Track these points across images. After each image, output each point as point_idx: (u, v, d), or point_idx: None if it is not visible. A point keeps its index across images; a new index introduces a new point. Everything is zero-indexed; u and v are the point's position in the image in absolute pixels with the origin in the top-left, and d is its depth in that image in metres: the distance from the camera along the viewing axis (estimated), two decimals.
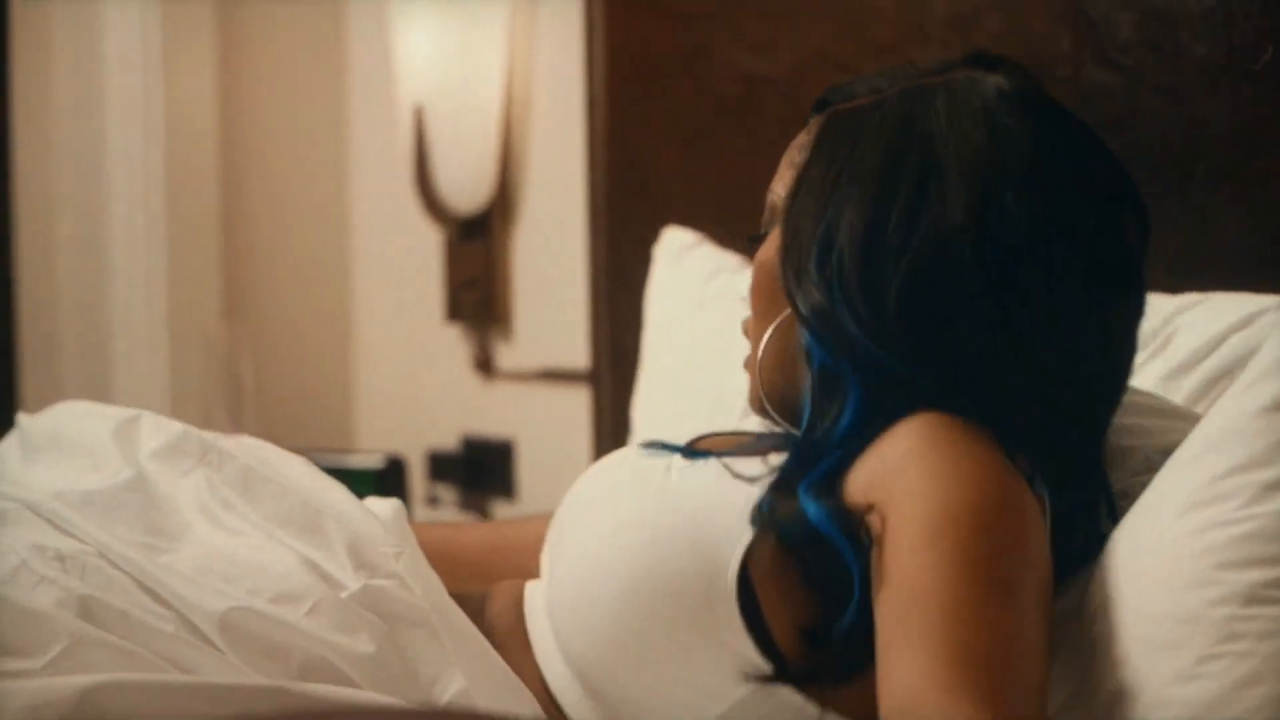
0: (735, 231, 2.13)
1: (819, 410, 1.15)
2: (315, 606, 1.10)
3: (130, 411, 1.35)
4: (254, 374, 3.15)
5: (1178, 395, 1.38)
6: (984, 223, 1.11)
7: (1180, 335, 1.44)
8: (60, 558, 1.11)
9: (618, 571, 1.12)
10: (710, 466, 1.18)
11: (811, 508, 1.06)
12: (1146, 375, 1.42)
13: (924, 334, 1.12)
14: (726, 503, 1.13)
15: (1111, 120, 1.67)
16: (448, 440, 3.25)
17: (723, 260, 2.11)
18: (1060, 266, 1.12)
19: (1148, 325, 1.47)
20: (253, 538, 1.19)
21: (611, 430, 2.42)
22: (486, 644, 1.17)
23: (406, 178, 3.14)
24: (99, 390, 3.29)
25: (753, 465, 1.16)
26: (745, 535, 1.10)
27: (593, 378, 2.59)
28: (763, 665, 1.10)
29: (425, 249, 3.28)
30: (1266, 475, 0.98)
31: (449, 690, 1.09)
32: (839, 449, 1.11)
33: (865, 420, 1.12)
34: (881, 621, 1.02)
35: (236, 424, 3.09)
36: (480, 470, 3.18)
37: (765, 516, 1.10)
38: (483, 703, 1.09)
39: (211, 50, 3.30)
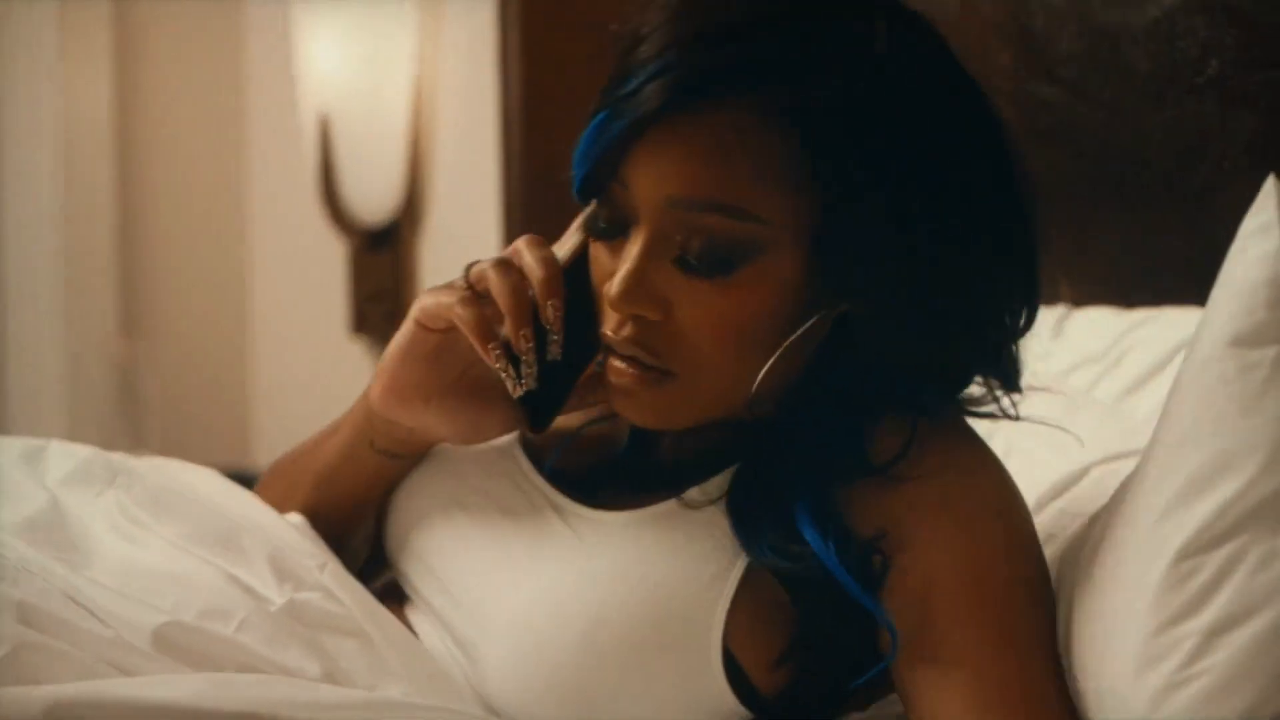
0: None
1: (813, 410, 1.07)
2: (244, 622, 1.07)
3: (37, 441, 1.32)
4: (153, 390, 3.08)
5: (1136, 412, 1.38)
6: None
7: (1133, 353, 1.44)
8: None
9: (574, 661, 1.04)
10: (618, 520, 1.09)
11: (817, 543, 1.00)
12: (1102, 392, 1.42)
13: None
14: (684, 556, 1.05)
15: (1053, 134, 1.67)
16: None
17: None
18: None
19: (1099, 344, 1.48)
20: (169, 554, 1.15)
21: None
22: (423, 648, 1.13)
23: (309, 188, 3.08)
24: None
25: (706, 488, 1.07)
26: (724, 593, 1.03)
27: None
28: (737, 709, 1.04)
29: (329, 260, 3.22)
30: None
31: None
32: (831, 458, 1.05)
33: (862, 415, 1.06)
34: (932, 694, 1.01)
35: (136, 441, 3.02)
36: None
37: (765, 559, 1.03)
38: (424, 708, 1.05)
39: (108, 61, 3.22)
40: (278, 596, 1.10)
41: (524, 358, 1.05)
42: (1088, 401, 1.39)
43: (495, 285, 1.06)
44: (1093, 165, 1.62)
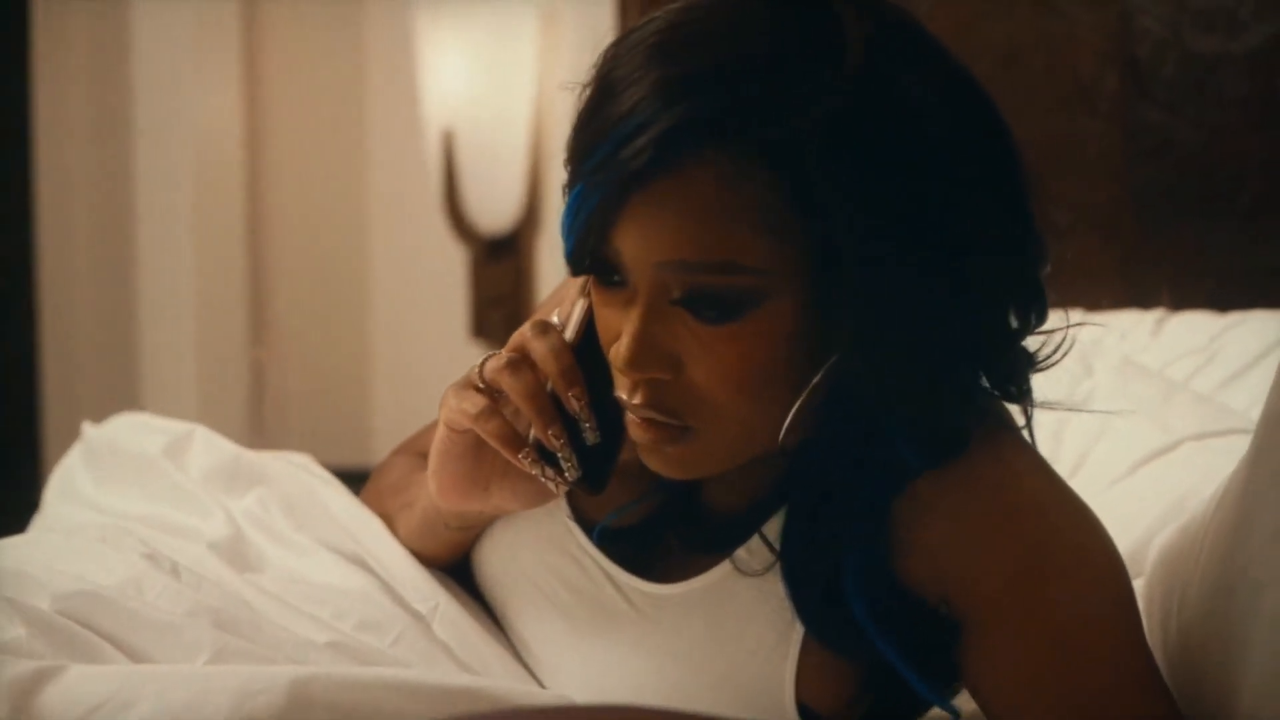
0: None
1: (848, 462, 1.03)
2: (399, 637, 1.11)
3: (185, 427, 1.38)
4: (281, 394, 3.19)
5: (1232, 403, 1.50)
6: None
7: (1227, 349, 1.56)
8: (175, 570, 1.12)
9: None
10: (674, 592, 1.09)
11: (870, 625, 1.00)
12: (1198, 385, 1.54)
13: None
14: (746, 630, 1.06)
15: (1156, 154, 1.80)
16: None
17: None
18: None
19: (1195, 341, 1.60)
20: (323, 562, 1.21)
21: None
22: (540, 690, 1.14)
23: (430, 197, 3.21)
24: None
25: (752, 547, 1.06)
26: (790, 655, 1.05)
27: None
28: None
29: (450, 267, 3.34)
30: None
31: None
32: (871, 518, 1.02)
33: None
34: None
35: (266, 443, 3.14)
36: None
37: (821, 639, 1.04)
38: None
39: (236, 80, 3.34)
40: (424, 611, 1.14)
41: (560, 454, 1.04)
42: (1183, 388, 1.51)
43: (511, 389, 1.04)
44: (1193, 183, 1.74)
